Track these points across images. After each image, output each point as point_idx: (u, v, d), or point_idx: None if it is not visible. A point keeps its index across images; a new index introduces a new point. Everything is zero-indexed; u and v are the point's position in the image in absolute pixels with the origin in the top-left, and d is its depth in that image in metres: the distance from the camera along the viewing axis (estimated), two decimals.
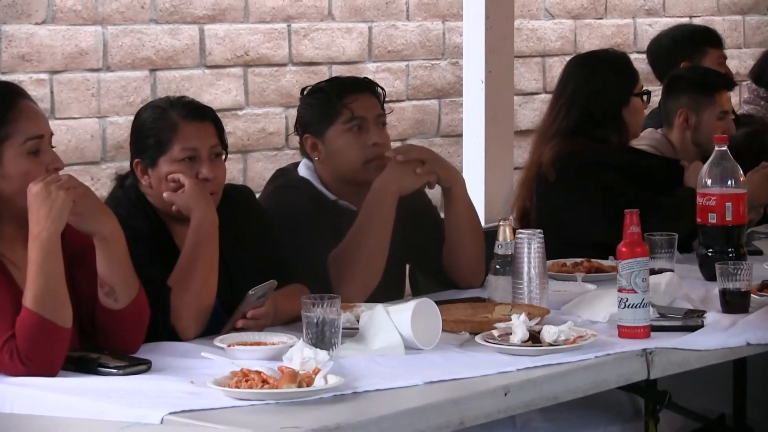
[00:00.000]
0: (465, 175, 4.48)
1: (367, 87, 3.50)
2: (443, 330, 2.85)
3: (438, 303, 2.90)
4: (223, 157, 3.12)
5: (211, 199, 3.03)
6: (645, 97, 4.09)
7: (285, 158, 5.12)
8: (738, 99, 5.87)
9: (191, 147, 3.04)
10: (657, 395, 3.00)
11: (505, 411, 2.57)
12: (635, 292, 2.90)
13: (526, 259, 3.12)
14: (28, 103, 2.78)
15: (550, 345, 2.78)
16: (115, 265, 2.74)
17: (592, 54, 4.32)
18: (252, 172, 5.20)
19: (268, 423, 2.34)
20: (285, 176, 3.54)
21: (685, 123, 4.31)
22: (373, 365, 2.68)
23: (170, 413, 2.34)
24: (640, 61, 4.85)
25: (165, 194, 3.03)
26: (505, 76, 4.64)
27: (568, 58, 4.41)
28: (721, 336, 2.97)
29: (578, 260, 3.69)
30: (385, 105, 3.53)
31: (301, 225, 3.33)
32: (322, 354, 2.56)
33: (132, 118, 3.17)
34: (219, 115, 3.19)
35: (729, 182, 3.50)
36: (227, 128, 3.29)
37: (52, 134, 2.79)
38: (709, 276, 3.42)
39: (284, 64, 5.30)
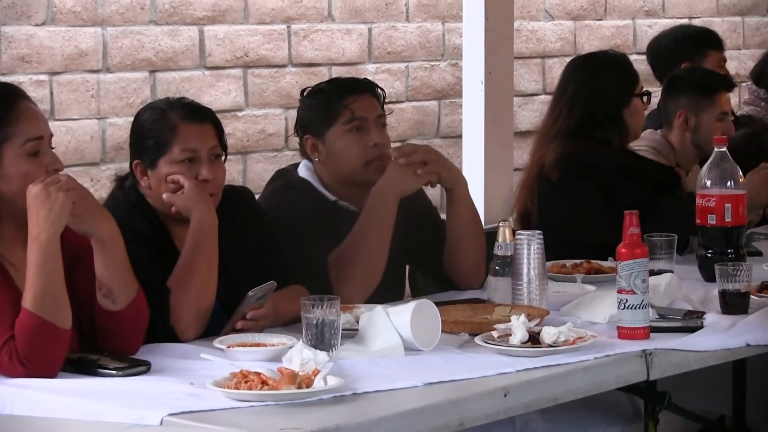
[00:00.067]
0: (464, 176, 4.48)
1: (367, 88, 3.51)
2: (443, 331, 2.85)
3: (437, 304, 2.90)
4: (223, 158, 3.12)
5: (211, 201, 3.03)
6: (645, 98, 4.10)
7: (285, 159, 5.12)
8: (738, 100, 5.87)
9: (191, 148, 3.04)
10: (656, 396, 3.00)
11: (504, 412, 2.57)
12: (635, 293, 2.90)
13: (525, 260, 3.12)
14: (27, 104, 2.78)
15: (550, 346, 2.78)
16: (113, 267, 2.74)
17: (592, 55, 4.33)
18: (252, 173, 5.20)
19: (267, 424, 2.34)
20: (285, 177, 3.54)
21: (684, 124, 4.31)
22: (372, 366, 2.68)
23: (170, 414, 2.34)
24: (639, 62, 4.86)
25: (164, 195, 3.03)
26: (504, 78, 4.64)
27: (567, 60, 4.41)
28: (720, 337, 2.97)
29: (578, 261, 3.69)
30: (385, 106, 3.53)
31: (301, 226, 3.33)
32: (322, 355, 2.56)
33: (132, 119, 3.17)
34: (219, 116, 3.19)
35: (728, 183, 3.50)
36: (227, 129, 3.29)
37: (51, 135, 2.79)
38: (709, 277, 3.43)
39: (284, 65, 5.30)
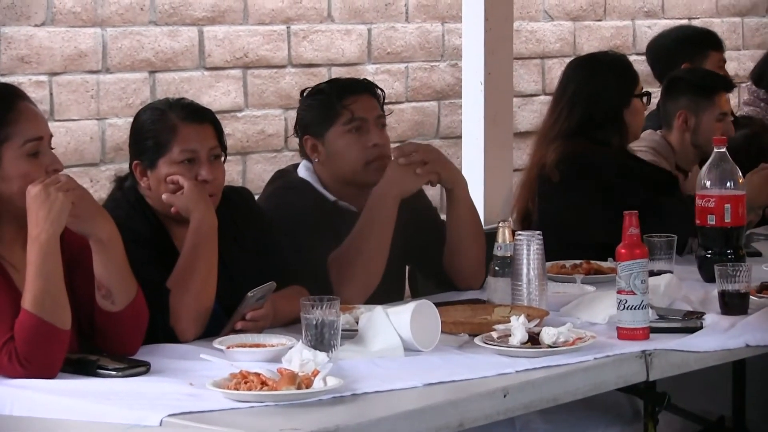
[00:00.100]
0: (464, 176, 4.48)
1: (366, 88, 3.51)
2: (442, 332, 2.85)
3: (437, 304, 2.89)
4: (223, 158, 3.12)
5: (210, 201, 3.03)
6: (645, 99, 4.10)
7: (284, 160, 5.12)
8: (737, 101, 5.87)
9: (190, 149, 3.04)
10: (656, 397, 3.00)
11: (504, 413, 2.57)
12: (634, 293, 2.90)
13: (525, 261, 3.12)
14: (27, 104, 2.78)
15: (549, 347, 2.78)
16: (112, 268, 2.73)
17: (591, 56, 4.33)
18: (251, 173, 5.20)
19: (267, 425, 2.34)
20: (284, 177, 3.54)
21: (684, 125, 4.31)
22: (372, 367, 2.68)
23: (169, 415, 2.34)
24: (639, 63, 4.86)
25: (164, 196, 3.03)
26: (504, 78, 4.64)
27: (567, 60, 4.42)
28: (720, 338, 2.97)
29: (577, 262, 3.69)
30: (385, 106, 3.54)
31: (301, 226, 3.33)
32: (322, 356, 2.56)
33: (131, 119, 3.17)
34: (218, 116, 3.19)
35: (728, 184, 3.50)
36: (226, 130, 3.29)
37: (51, 136, 2.79)
38: (708, 278, 3.43)
39: (283, 66, 5.30)
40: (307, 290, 3.04)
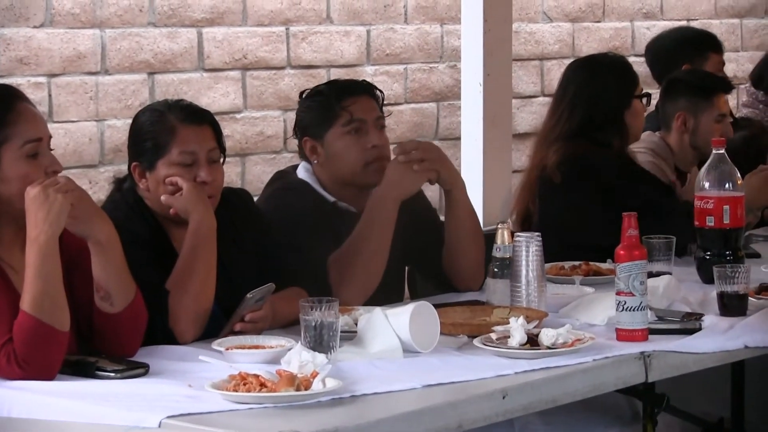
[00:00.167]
0: (463, 178, 4.47)
1: (366, 90, 3.51)
2: (441, 333, 2.84)
3: (436, 306, 2.89)
4: (221, 160, 3.12)
5: (209, 203, 3.03)
6: (645, 100, 4.11)
7: (283, 161, 5.12)
8: (736, 102, 5.88)
9: (189, 150, 3.04)
10: (655, 398, 3.00)
11: (503, 414, 2.57)
12: (633, 295, 2.90)
13: (524, 262, 3.12)
14: (26, 105, 2.77)
15: (548, 348, 2.77)
16: (110, 270, 2.73)
17: (591, 58, 4.34)
18: (250, 175, 5.20)
19: (266, 426, 2.34)
20: (284, 179, 3.54)
21: (683, 126, 4.31)
22: (371, 368, 2.68)
23: (168, 417, 2.34)
24: (638, 65, 4.86)
25: (163, 197, 3.03)
26: (503, 79, 4.64)
27: (566, 62, 4.42)
28: (719, 339, 2.97)
29: (576, 263, 3.70)
30: (384, 108, 3.54)
31: (300, 227, 3.33)
32: (321, 357, 2.56)
33: (130, 121, 3.17)
34: (217, 118, 3.19)
35: (727, 185, 3.50)
36: (225, 131, 3.29)
37: (50, 137, 2.78)
38: (707, 279, 3.42)
39: (282, 68, 5.30)
40: (306, 291, 3.04)
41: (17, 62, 4.64)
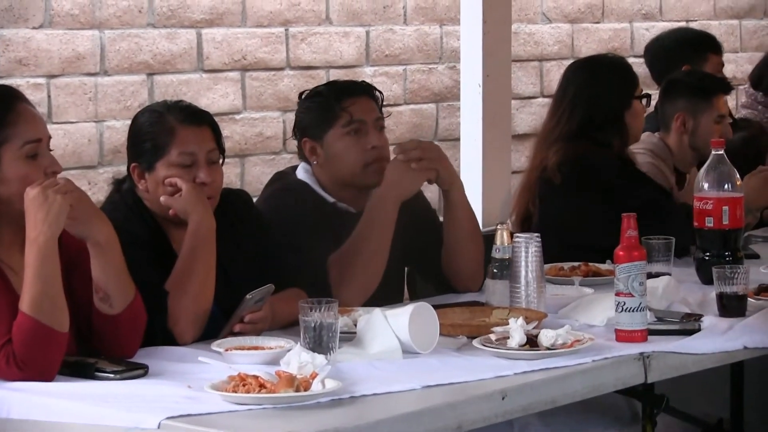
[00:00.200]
0: (463, 178, 4.47)
1: (365, 90, 3.51)
2: (441, 334, 2.84)
3: (435, 307, 2.89)
4: (221, 161, 3.12)
5: (209, 204, 3.03)
6: (645, 100, 4.11)
7: (282, 162, 5.12)
8: (735, 103, 5.88)
9: (188, 151, 3.04)
10: (654, 399, 3.00)
11: (502, 415, 2.57)
12: (632, 295, 2.90)
13: (523, 263, 3.12)
14: (26, 106, 2.77)
15: (548, 349, 2.77)
16: (109, 271, 2.73)
17: (591, 58, 4.35)
18: (249, 176, 5.20)
19: (265, 427, 2.34)
20: (283, 179, 3.54)
21: (682, 127, 4.32)
22: (370, 369, 2.68)
23: (167, 418, 2.34)
24: (637, 66, 4.86)
25: (162, 198, 3.03)
26: (502, 80, 4.64)
27: (565, 62, 4.43)
28: (718, 340, 2.97)
29: (575, 264, 3.69)
30: (383, 109, 3.54)
31: (300, 228, 3.33)
32: (320, 358, 2.56)
33: (129, 122, 3.17)
34: (216, 119, 3.19)
35: (726, 186, 3.50)
36: (225, 132, 3.29)
37: (50, 138, 2.78)
38: (706, 280, 3.42)
39: (282, 68, 5.30)
40: (306, 292, 3.04)
41: (16, 63, 4.64)
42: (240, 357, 2.74)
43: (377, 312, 2.85)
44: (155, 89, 4.94)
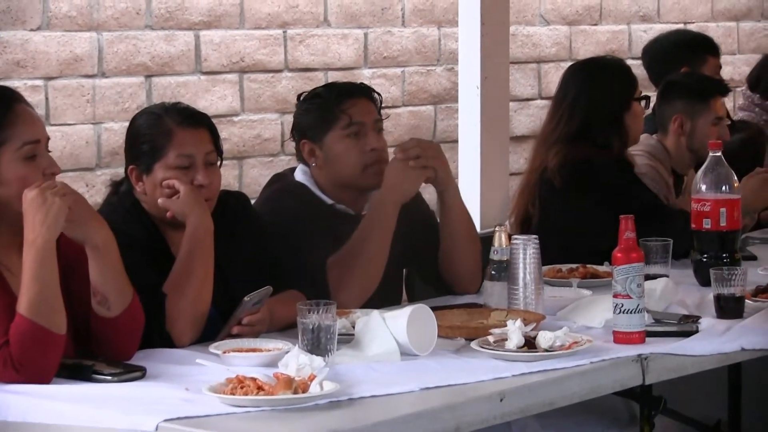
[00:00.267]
0: (461, 180, 4.49)
1: (364, 92, 3.51)
2: (439, 336, 2.84)
3: (433, 309, 2.89)
4: (219, 163, 3.12)
5: (207, 206, 3.03)
6: (644, 102, 4.11)
7: (280, 164, 5.12)
8: (732, 105, 5.88)
9: (186, 153, 3.04)
10: (652, 401, 3.01)
11: (501, 417, 2.57)
12: (630, 297, 2.90)
13: (521, 265, 3.12)
14: (24, 107, 2.77)
15: (546, 351, 2.78)
16: (107, 274, 2.73)
17: (591, 60, 4.35)
18: (247, 178, 5.20)
19: (263, 430, 2.34)
20: (281, 181, 3.54)
21: (680, 129, 4.32)
22: (368, 371, 2.68)
23: (165, 420, 2.34)
24: (635, 67, 4.86)
25: (160, 200, 3.02)
26: (500, 82, 4.64)
27: (563, 64, 4.43)
28: (716, 341, 2.97)
29: (573, 266, 3.70)
30: (382, 110, 3.54)
31: (298, 229, 3.33)
32: (318, 360, 2.56)
33: (127, 124, 3.17)
34: (214, 121, 3.19)
35: (723, 188, 3.50)
36: (222, 134, 3.29)
37: (48, 139, 2.78)
38: (704, 281, 3.43)
39: (280, 70, 5.30)
40: (304, 294, 3.04)
41: (14, 65, 4.64)
42: (238, 359, 2.74)
43: (375, 314, 2.85)
44: (153, 91, 4.94)
